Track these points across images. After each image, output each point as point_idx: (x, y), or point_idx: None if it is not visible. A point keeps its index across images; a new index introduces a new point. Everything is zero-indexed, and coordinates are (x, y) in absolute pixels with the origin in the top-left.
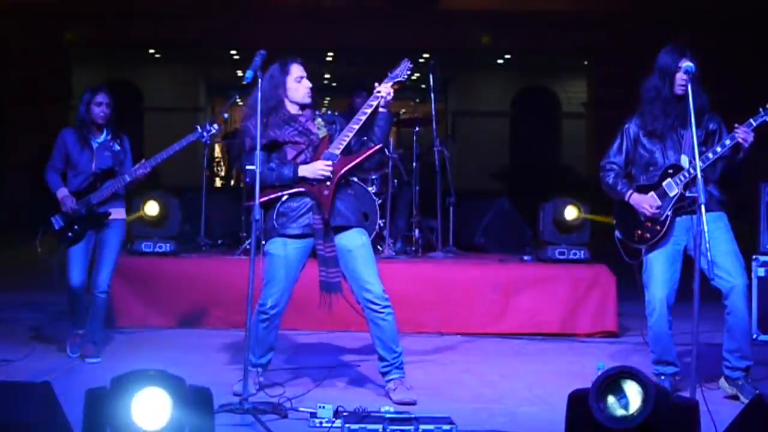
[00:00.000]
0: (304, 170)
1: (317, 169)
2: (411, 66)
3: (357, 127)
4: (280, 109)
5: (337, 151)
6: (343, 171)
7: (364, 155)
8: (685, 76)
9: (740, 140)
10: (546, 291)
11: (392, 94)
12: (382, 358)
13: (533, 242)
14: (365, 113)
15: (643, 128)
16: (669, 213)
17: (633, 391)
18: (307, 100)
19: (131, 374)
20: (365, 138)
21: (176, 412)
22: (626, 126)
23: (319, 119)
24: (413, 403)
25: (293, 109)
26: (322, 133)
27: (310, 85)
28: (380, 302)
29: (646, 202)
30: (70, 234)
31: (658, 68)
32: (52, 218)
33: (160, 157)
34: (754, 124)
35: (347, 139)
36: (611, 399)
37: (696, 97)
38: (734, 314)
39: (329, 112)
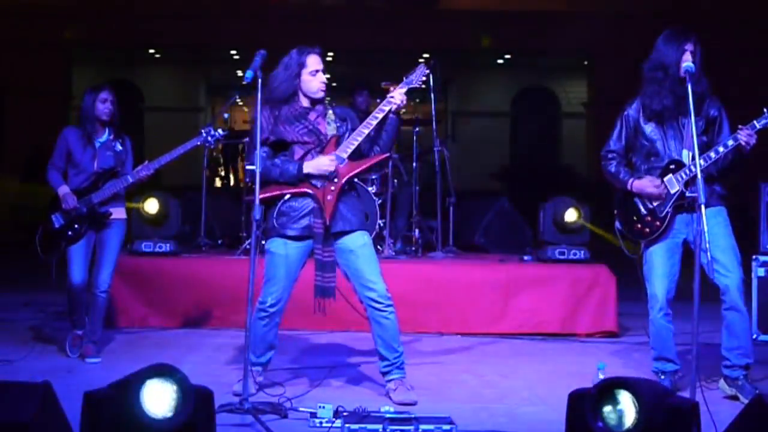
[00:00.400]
0: (308, 166)
1: (321, 165)
2: (427, 72)
3: (367, 131)
4: (292, 101)
5: (344, 155)
6: (347, 177)
7: (370, 163)
8: (687, 58)
9: (743, 143)
10: (546, 291)
11: (405, 101)
12: (383, 358)
13: (533, 242)
14: (376, 118)
15: (645, 111)
16: (669, 210)
17: (627, 402)
18: (320, 95)
19: (135, 373)
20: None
21: (181, 400)
22: (626, 112)
23: (331, 112)
24: (413, 404)
25: (305, 102)
26: (332, 128)
27: (325, 79)
28: (383, 301)
29: (648, 185)
30: (70, 232)
31: (663, 52)
32: (52, 216)
33: (163, 159)
34: (758, 126)
35: (356, 144)
36: (608, 409)
37: (696, 86)
38: (733, 310)
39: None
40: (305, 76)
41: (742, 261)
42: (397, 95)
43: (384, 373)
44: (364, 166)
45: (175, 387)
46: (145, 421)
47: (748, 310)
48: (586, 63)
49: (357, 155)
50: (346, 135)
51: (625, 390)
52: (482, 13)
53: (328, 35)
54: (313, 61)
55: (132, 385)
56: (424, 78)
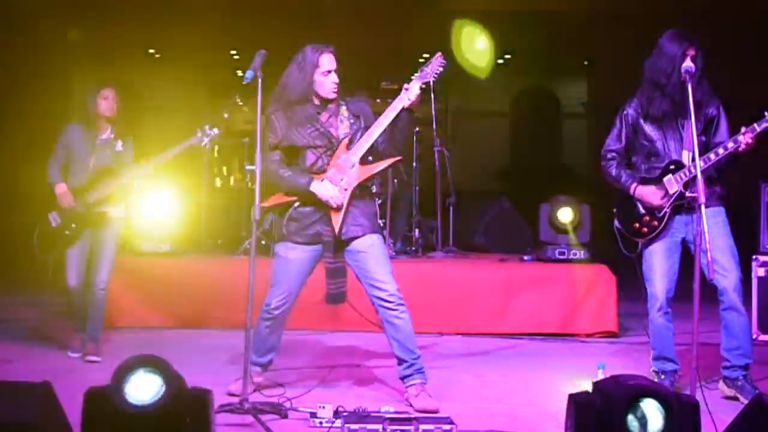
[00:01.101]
0: (316, 188)
1: (329, 195)
2: (444, 62)
3: (378, 131)
4: (305, 101)
5: (355, 158)
6: (358, 182)
7: (382, 166)
8: (688, 62)
9: (743, 146)
10: (546, 291)
11: (420, 97)
12: (401, 360)
13: (533, 242)
14: (389, 116)
15: (644, 112)
16: (667, 210)
17: (652, 409)
18: (332, 96)
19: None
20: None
21: (166, 387)
22: (624, 111)
23: (344, 108)
24: (436, 411)
25: (317, 102)
26: (345, 126)
27: (337, 80)
28: (393, 300)
29: (651, 196)
30: (67, 232)
31: (665, 55)
32: (49, 215)
33: (159, 159)
34: (758, 129)
35: (367, 146)
36: (630, 418)
37: (696, 91)
38: (731, 310)
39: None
40: (318, 76)
41: (742, 261)
42: (413, 92)
43: (404, 377)
44: (375, 171)
45: (155, 375)
46: (134, 411)
47: (747, 311)
48: (586, 63)
49: (369, 152)
50: (359, 134)
51: (650, 398)
52: (482, 13)
53: (328, 35)
54: (326, 61)
55: (116, 382)
56: (441, 68)
